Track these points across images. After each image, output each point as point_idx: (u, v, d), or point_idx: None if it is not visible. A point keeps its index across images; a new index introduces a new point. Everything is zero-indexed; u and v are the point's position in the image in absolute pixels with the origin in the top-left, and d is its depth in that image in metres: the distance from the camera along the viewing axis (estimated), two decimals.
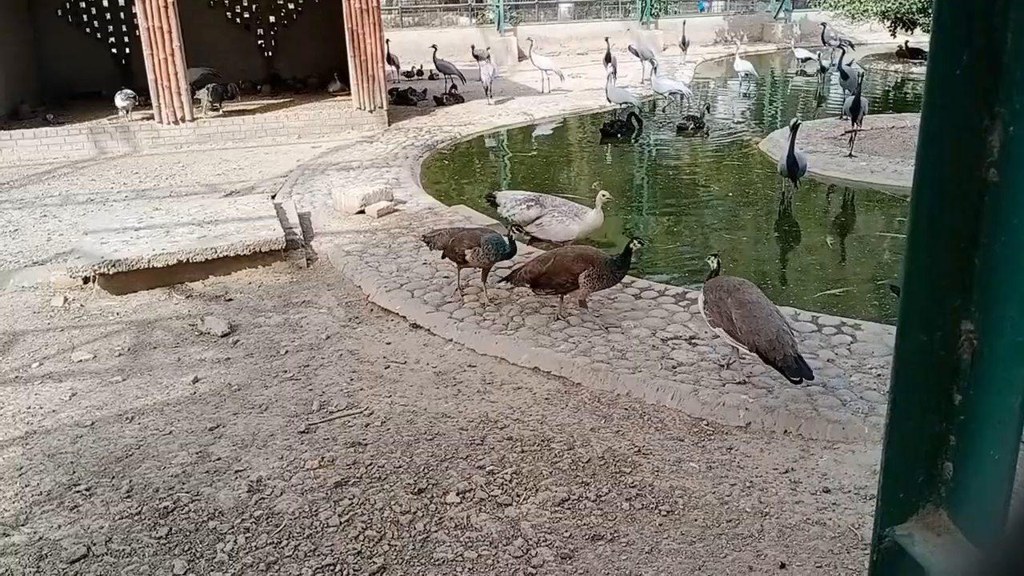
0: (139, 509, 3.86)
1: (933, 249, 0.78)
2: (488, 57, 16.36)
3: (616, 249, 6.38)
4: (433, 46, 16.84)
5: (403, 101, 15.37)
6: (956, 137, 0.75)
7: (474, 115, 14.24)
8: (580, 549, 3.54)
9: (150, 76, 11.78)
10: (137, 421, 4.67)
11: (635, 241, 5.58)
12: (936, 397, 0.79)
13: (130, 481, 4.07)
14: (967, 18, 0.73)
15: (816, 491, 3.91)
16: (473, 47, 17.72)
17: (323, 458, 4.22)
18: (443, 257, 6.38)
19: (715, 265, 5.14)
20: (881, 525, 0.83)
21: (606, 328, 5.61)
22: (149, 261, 6.55)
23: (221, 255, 6.77)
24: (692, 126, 13.41)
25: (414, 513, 3.78)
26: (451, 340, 5.65)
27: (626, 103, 14.16)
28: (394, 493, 3.93)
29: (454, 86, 16.07)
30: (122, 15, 15.02)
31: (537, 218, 6.70)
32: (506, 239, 6.00)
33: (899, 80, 19.29)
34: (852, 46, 20.19)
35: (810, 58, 19.97)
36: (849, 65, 13.92)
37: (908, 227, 0.80)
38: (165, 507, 3.86)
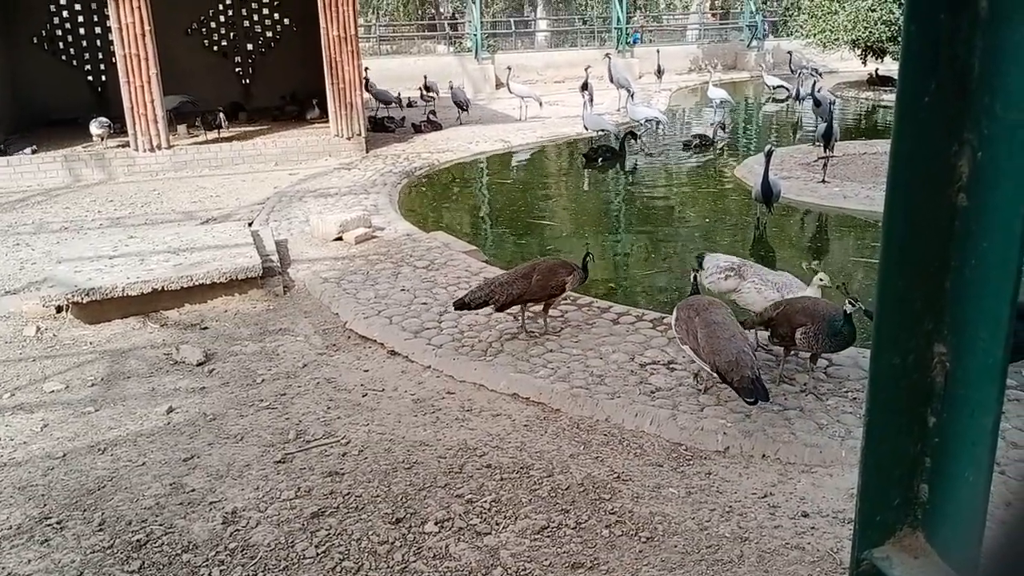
0: (111, 542, 3.78)
1: (905, 273, 0.78)
2: (453, 86, 16.74)
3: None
4: (366, 73, 16.86)
5: (380, 128, 15.43)
6: (926, 163, 0.76)
7: (452, 142, 14.30)
8: None
9: (126, 103, 11.75)
10: (110, 452, 4.60)
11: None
12: (910, 420, 0.80)
13: (102, 514, 4.00)
14: (935, 46, 0.74)
15: (795, 515, 3.91)
16: (425, 78, 17.80)
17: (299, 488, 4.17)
18: (511, 305, 5.84)
19: (693, 279, 5.57)
20: (859, 548, 0.83)
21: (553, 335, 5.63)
22: (123, 289, 6.48)
23: (197, 283, 6.71)
24: (697, 143, 13.85)
25: (392, 543, 3.74)
26: (429, 367, 5.62)
27: (603, 130, 14.31)
28: (372, 523, 3.89)
29: (433, 111, 16.22)
30: (98, 42, 14.99)
31: (734, 289, 5.96)
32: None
33: (870, 107, 19.63)
34: (820, 74, 20.55)
35: (781, 85, 20.35)
36: (820, 92, 14.15)
37: (880, 252, 0.81)
38: (138, 540, 3.79)
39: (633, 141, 13.50)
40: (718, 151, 14.09)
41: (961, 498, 0.79)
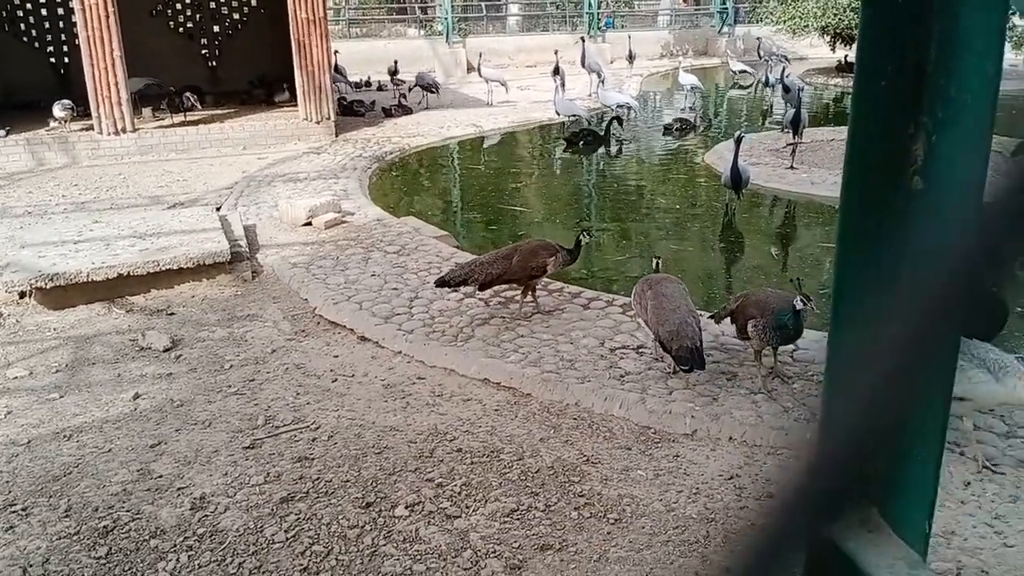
0: (78, 529, 3.74)
1: (862, 254, 0.80)
2: (429, 73, 16.82)
3: None
4: (336, 56, 16.68)
5: (350, 112, 15.29)
6: (882, 145, 0.77)
7: (422, 127, 14.22)
8: (529, 559, 3.54)
9: (90, 86, 11.53)
10: (75, 439, 4.54)
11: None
12: None
13: (68, 500, 3.96)
14: (892, 30, 0.75)
15: (760, 497, 3.96)
16: (396, 62, 17.66)
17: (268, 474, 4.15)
18: (491, 285, 5.92)
19: (655, 265, 5.63)
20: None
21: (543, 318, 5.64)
22: (88, 275, 6.39)
23: (163, 268, 6.63)
24: (679, 127, 14.15)
25: (362, 527, 3.74)
26: (400, 352, 5.61)
27: (574, 115, 14.31)
28: (341, 507, 3.88)
29: (403, 95, 16.11)
30: (61, 24, 14.68)
31: None
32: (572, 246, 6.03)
33: (839, 94, 19.79)
34: (788, 60, 20.70)
35: (745, 71, 20.59)
36: (789, 78, 14.26)
37: (837, 232, 0.82)
38: (105, 526, 3.75)
39: (618, 126, 13.60)
40: (699, 133, 14.25)
41: (914, 474, 0.81)
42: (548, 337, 5.66)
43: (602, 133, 13.44)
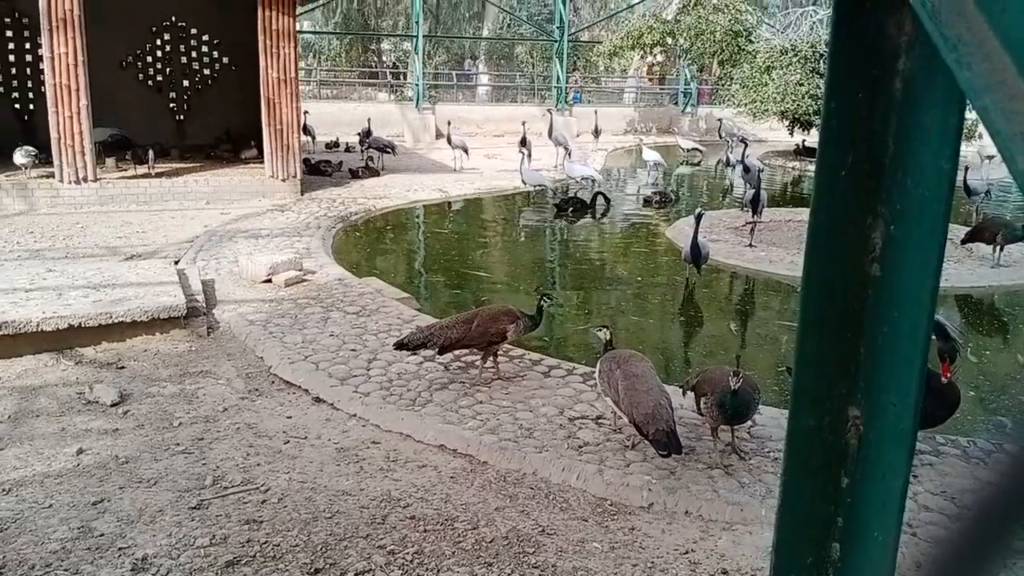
0: None
1: (821, 338, 0.82)
2: (382, 136, 17.16)
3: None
4: (305, 116, 16.88)
5: (317, 172, 15.36)
6: (842, 233, 0.80)
7: (389, 189, 14.31)
8: None
9: (53, 134, 11.45)
10: (14, 493, 4.37)
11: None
12: (824, 480, 0.82)
13: (4, 557, 3.79)
14: (853, 122, 0.78)
15: (714, 572, 3.93)
16: (369, 120, 17.90)
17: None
18: (451, 349, 5.90)
19: (606, 337, 5.44)
20: None
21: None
22: (38, 324, 6.24)
23: (116, 320, 6.50)
24: (657, 199, 14.79)
25: None
26: (355, 415, 5.53)
27: (540, 185, 14.54)
28: (289, 573, 3.77)
29: (371, 158, 16.25)
30: (28, 70, 14.63)
31: None
32: (534, 311, 6.01)
33: (796, 176, 20.37)
34: (746, 142, 21.38)
35: (695, 148, 21.40)
36: (748, 158, 14.69)
37: (798, 317, 0.84)
38: None
39: (604, 200, 14.23)
40: (675, 206, 14.67)
41: (871, 557, 0.81)
42: (507, 404, 5.63)
43: (588, 202, 14.00)
